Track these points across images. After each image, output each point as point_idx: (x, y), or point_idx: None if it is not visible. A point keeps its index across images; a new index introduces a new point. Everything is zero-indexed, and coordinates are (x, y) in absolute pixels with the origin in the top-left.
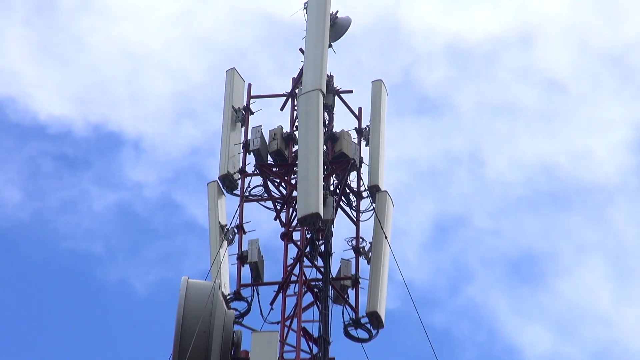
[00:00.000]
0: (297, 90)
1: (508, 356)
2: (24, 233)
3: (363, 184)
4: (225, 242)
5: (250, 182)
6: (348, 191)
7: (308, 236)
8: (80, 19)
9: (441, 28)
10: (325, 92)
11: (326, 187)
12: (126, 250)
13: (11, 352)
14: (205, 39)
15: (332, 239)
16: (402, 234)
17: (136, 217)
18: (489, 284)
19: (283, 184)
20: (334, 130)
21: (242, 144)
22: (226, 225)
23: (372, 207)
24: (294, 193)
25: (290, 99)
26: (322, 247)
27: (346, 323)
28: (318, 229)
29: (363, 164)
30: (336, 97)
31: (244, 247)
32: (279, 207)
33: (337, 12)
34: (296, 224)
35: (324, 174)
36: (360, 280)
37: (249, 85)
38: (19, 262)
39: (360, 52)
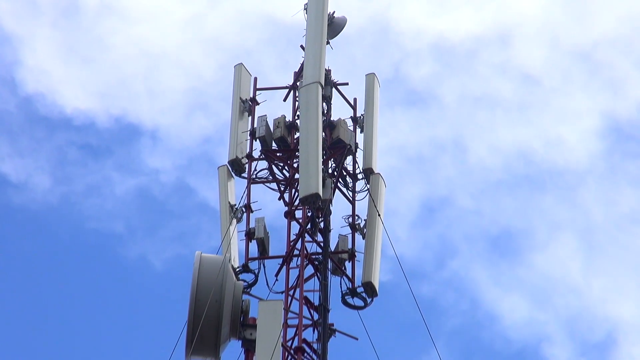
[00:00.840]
0: (298, 83)
1: (489, 323)
2: (52, 215)
3: (358, 167)
4: (235, 220)
5: (256, 165)
6: (345, 173)
7: (309, 214)
8: (103, 21)
9: (427, 28)
10: (323, 85)
11: (325, 170)
12: (145, 229)
13: (41, 321)
14: (214, 40)
15: (331, 216)
16: (393, 213)
17: (153, 199)
18: (471, 258)
19: (286, 167)
20: (331, 118)
21: (249, 132)
22: (235, 204)
23: (366, 188)
24: (296, 175)
25: (292, 91)
26: (322, 224)
27: (344, 292)
28: (318, 208)
29: (358, 149)
30: (333, 89)
31: (251, 225)
32: (282, 189)
33: (334, 12)
34: (298, 204)
35: (322, 158)
36: (356, 253)
37: (255, 79)
38: (48, 241)
39: (354, 49)
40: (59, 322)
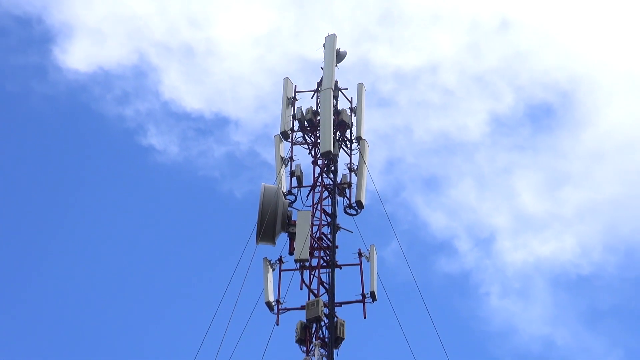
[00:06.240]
0: (319, 88)
1: (423, 227)
2: (179, 168)
3: (353, 136)
4: (283, 166)
5: (295, 134)
6: (345, 139)
7: (325, 162)
8: (206, 58)
9: (390, 63)
10: (334, 89)
11: (334, 137)
12: (231, 175)
13: (170, 228)
14: (271, 69)
15: (337, 164)
16: (371, 165)
17: (236, 159)
18: (413, 191)
19: (313, 136)
20: (338, 108)
21: (292, 115)
22: (284, 157)
23: (358, 148)
24: (318, 140)
25: (316, 93)
26: (332, 168)
27: (345, 206)
28: (330, 159)
29: (353, 126)
30: (339, 92)
31: (293, 168)
32: (310, 148)
33: (340, 48)
34: (319, 156)
35: (333, 131)
36: (352, 184)
37: (295, 86)
38: (177, 185)
39: (350, 72)
40: (181, 231)
